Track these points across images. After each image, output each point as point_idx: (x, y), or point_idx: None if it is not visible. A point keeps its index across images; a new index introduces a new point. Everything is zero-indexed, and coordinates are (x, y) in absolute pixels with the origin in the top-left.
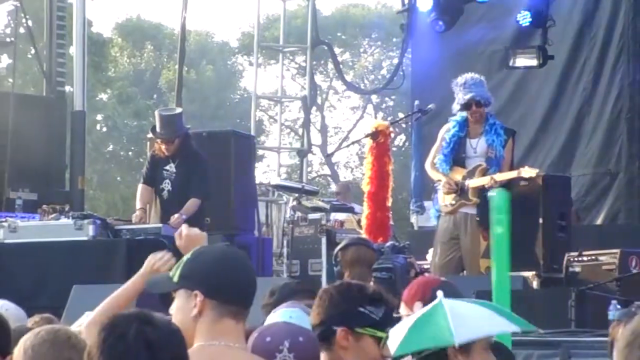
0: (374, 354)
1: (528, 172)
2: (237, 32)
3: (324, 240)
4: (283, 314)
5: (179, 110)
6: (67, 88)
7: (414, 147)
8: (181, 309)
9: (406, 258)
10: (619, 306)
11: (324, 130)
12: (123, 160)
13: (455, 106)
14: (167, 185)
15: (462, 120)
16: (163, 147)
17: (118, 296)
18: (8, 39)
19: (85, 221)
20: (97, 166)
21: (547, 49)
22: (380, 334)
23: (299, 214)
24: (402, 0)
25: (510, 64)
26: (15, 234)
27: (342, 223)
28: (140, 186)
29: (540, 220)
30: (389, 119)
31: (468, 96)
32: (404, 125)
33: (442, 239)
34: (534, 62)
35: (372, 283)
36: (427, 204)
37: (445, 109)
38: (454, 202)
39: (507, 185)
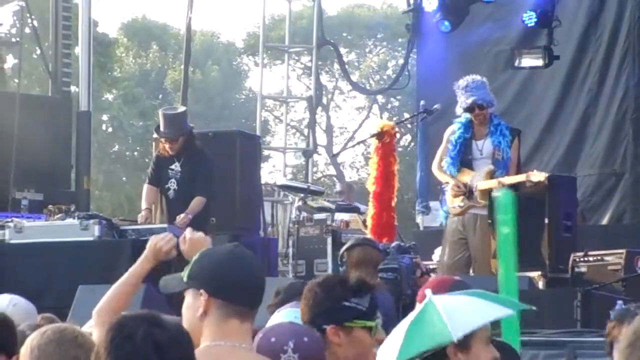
0: (367, 342)
1: (536, 176)
2: (242, 32)
3: (329, 240)
4: (288, 314)
5: (182, 109)
6: (73, 88)
7: (419, 148)
8: (189, 308)
9: (412, 258)
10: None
11: (329, 130)
12: (128, 161)
13: (458, 109)
14: (172, 185)
15: (466, 122)
16: (167, 146)
17: (124, 283)
18: (14, 39)
19: (91, 221)
20: (103, 166)
21: (552, 49)
22: (369, 323)
23: (304, 214)
24: (407, 0)
25: (516, 64)
26: (21, 234)
27: (347, 223)
28: (145, 186)
29: (546, 221)
30: (395, 119)
31: (470, 100)
32: (409, 126)
33: (451, 239)
34: (539, 62)
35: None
36: (432, 204)
37: (451, 109)
38: (462, 204)
39: (513, 185)
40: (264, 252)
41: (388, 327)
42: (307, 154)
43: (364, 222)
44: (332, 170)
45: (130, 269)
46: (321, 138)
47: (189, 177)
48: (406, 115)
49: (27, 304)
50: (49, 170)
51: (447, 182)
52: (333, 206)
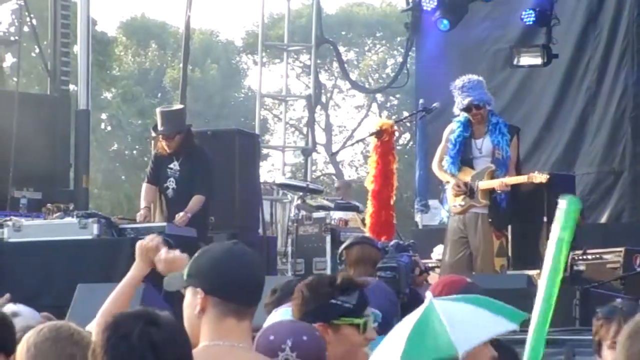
0: (355, 340)
1: (538, 177)
2: (241, 31)
3: (328, 238)
4: (285, 312)
5: (179, 106)
6: (72, 87)
7: (418, 146)
8: (189, 306)
9: (411, 257)
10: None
11: (328, 129)
12: (127, 159)
13: (456, 110)
14: (171, 184)
15: (465, 121)
16: (164, 143)
17: (125, 285)
18: (12, 38)
19: (90, 220)
20: (102, 165)
21: (551, 48)
22: (357, 320)
23: (303, 212)
24: None
25: (515, 62)
26: (20, 233)
27: (346, 222)
28: (144, 185)
29: (545, 219)
30: (394, 117)
31: (466, 100)
32: (408, 124)
33: (452, 238)
34: (538, 61)
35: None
36: (431, 202)
37: (450, 107)
38: (463, 203)
39: (514, 186)
40: (263, 250)
41: (389, 320)
42: (306, 152)
43: (363, 220)
44: (331, 169)
45: (127, 275)
46: (320, 137)
47: (188, 176)
48: (405, 114)
49: (32, 312)
50: (47, 169)
51: (448, 182)
52: (332, 205)
